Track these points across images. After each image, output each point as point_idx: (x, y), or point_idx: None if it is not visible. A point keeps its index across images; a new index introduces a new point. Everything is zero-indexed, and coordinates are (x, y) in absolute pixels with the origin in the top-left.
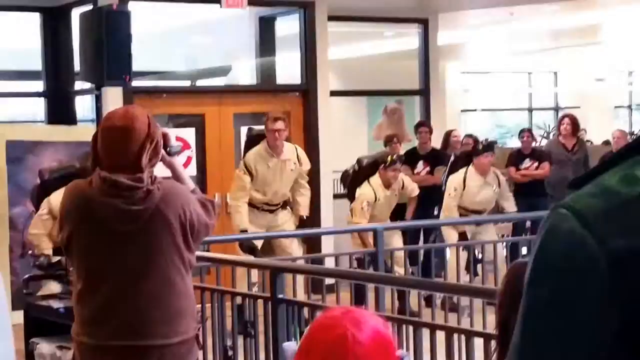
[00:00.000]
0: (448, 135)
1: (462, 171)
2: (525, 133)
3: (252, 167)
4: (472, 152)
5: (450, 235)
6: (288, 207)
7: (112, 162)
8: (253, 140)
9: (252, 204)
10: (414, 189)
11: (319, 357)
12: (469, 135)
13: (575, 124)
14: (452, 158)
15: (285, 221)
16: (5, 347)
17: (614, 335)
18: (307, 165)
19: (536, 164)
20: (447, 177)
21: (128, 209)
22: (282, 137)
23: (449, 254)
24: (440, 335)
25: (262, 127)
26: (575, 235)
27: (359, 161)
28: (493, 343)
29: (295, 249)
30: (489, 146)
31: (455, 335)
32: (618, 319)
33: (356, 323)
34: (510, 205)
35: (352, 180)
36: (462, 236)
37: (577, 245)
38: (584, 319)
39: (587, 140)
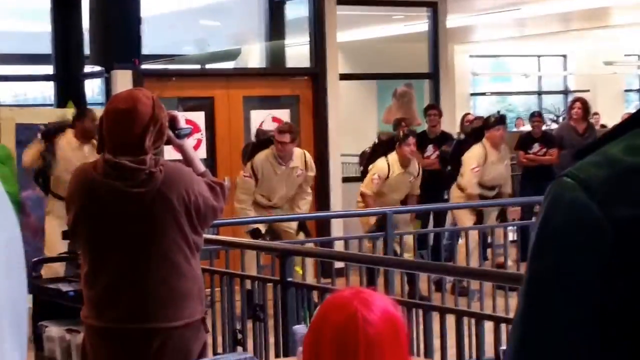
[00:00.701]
0: (463, 118)
1: (479, 146)
2: (536, 117)
3: (260, 170)
4: (483, 126)
5: (464, 219)
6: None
7: (116, 144)
8: (262, 143)
9: (255, 203)
10: (418, 186)
11: (330, 337)
12: (479, 117)
13: (586, 108)
14: (461, 137)
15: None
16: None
17: (615, 308)
18: (313, 171)
19: (545, 149)
20: (452, 156)
21: (130, 191)
22: (286, 150)
23: (462, 239)
24: (450, 319)
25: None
26: (580, 204)
27: (378, 137)
28: (503, 326)
29: (300, 234)
30: (501, 119)
31: (465, 319)
32: (621, 290)
33: (366, 303)
34: (507, 186)
35: (370, 155)
36: (479, 217)
37: (582, 213)
38: (587, 288)
39: (603, 125)
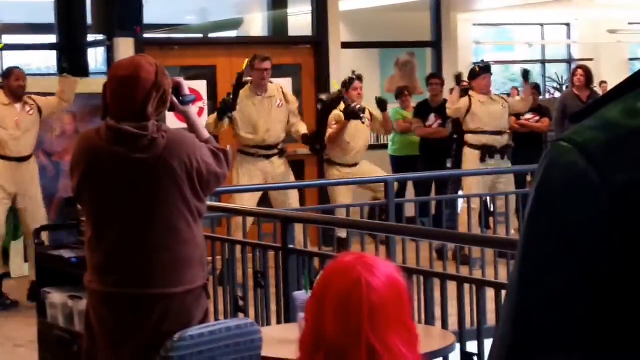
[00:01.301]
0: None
1: (465, 98)
2: (532, 88)
3: (238, 108)
4: (470, 76)
5: (471, 156)
6: (284, 157)
7: (119, 110)
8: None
9: (245, 151)
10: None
11: (333, 302)
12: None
13: (588, 75)
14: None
15: (283, 171)
16: None
17: (611, 273)
18: (294, 103)
19: (537, 117)
20: (454, 123)
21: (132, 157)
22: (268, 76)
23: (461, 204)
24: (452, 286)
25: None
26: (578, 168)
27: (319, 100)
28: (504, 293)
29: (294, 201)
30: (486, 68)
31: (467, 286)
32: (617, 255)
33: (369, 268)
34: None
35: (320, 117)
36: (483, 152)
37: (579, 177)
38: (584, 251)
39: None
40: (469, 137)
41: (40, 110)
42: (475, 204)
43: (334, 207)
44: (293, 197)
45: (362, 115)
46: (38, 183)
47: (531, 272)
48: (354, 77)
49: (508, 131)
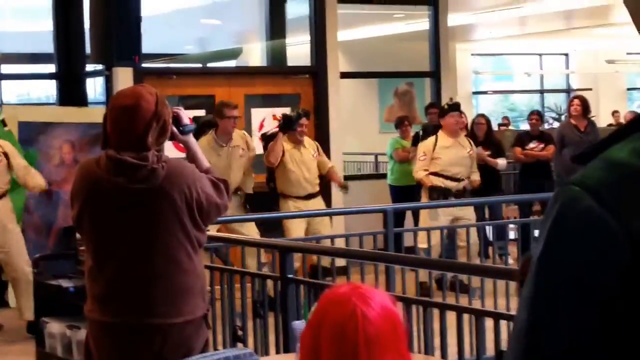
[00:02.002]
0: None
1: (432, 138)
2: (534, 115)
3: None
4: (439, 115)
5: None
6: (238, 193)
7: (119, 140)
8: (199, 129)
9: None
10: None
11: (329, 334)
12: (481, 115)
13: (585, 104)
14: (420, 132)
15: (235, 207)
16: None
17: (628, 321)
18: (254, 150)
19: (542, 145)
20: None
21: (132, 187)
22: (236, 125)
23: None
24: (451, 316)
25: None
26: (593, 215)
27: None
28: (503, 323)
29: (253, 234)
30: (455, 106)
31: (466, 316)
32: (636, 304)
33: (365, 299)
34: (476, 176)
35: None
36: (444, 195)
37: (596, 225)
38: (603, 299)
39: (612, 124)
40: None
41: (8, 159)
42: (436, 239)
43: (332, 236)
44: (251, 232)
45: (298, 121)
46: (13, 218)
47: (544, 318)
48: (301, 113)
49: (466, 178)
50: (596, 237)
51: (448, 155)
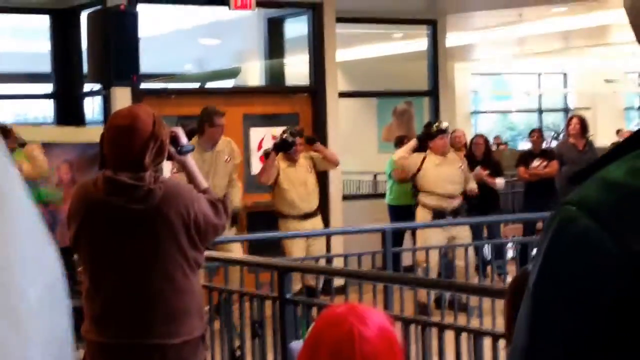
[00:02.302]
0: (451, 134)
1: (421, 154)
2: (535, 133)
3: None
4: (426, 137)
5: (423, 216)
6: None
7: (116, 161)
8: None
9: None
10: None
11: (327, 353)
12: (480, 135)
13: (583, 124)
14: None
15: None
16: None
17: (629, 345)
18: (239, 158)
19: (545, 163)
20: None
21: (129, 207)
22: (222, 133)
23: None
24: (449, 335)
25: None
26: (591, 234)
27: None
28: (501, 342)
29: (236, 252)
30: (443, 130)
31: (464, 335)
32: (634, 324)
33: (362, 319)
34: (473, 184)
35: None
36: (438, 215)
37: (594, 245)
38: (602, 321)
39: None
40: (421, 197)
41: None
42: (433, 257)
43: (330, 256)
44: (234, 251)
45: (294, 141)
46: None
47: (538, 340)
48: (295, 132)
49: (459, 194)
50: (593, 258)
51: (440, 173)
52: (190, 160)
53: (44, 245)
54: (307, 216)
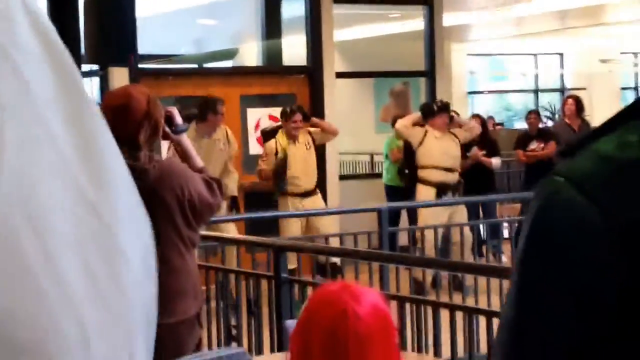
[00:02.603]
0: None
1: (422, 129)
2: (532, 114)
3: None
4: (427, 114)
5: (427, 192)
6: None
7: None
8: (269, 134)
9: None
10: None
11: (320, 332)
12: (476, 115)
13: (579, 104)
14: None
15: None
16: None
17: (617, 315)
18: (235, 146)
19: (542, 144)
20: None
21: None
22: (223, 121)
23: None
24: (444, 314)
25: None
26: (576, 206)
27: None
28: (495, 321)
29: (231, 233)
30: (444, 107)
31: (459, 313)
32: (617, 295)
33: (356, 298)
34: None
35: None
36: (442, 189)
37: (580, 215)
38: (586, 293)
39: None
40: (422, 173)
41: None
42: (431, 235)
43: (326, 235)
44: (230, 230)
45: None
46: None
47: (523, 315)
48: (295, 109)
49: (458, 169)
50: (577, 230)
51: (441, 146)
52: (186, 139)
53: (139, 208)
54: (307, 194)
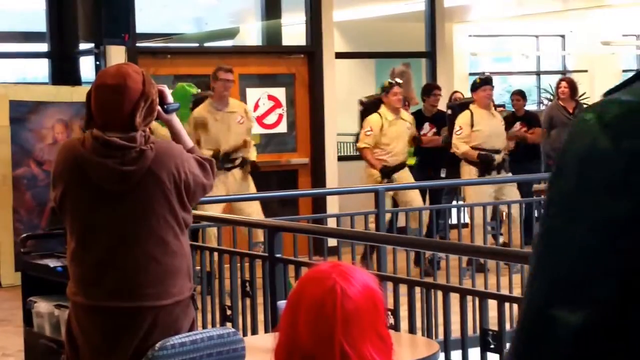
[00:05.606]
0: (451, 96)
1: (465, 111)
2: (515, 95)
3: (200, 124)
4: (468, 100)
5: (470, 171)
6: (244, 168)
7: (105, 121)
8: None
9: None
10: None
11: (307, 309)
12: (517, 92)
13: (572, 86)
14: (449, 112)
15: (242, 182)
16: None
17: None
18: (253, 121)
19: (525, 128)
20: (449, 133)
21: (120, 169)
22: (230, 88)
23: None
24: (440, 295)
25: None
26: (592, 134)
27: (360, 102)
28: (490, 302)
29: (254, 210)
30: (486, 80)
31: (454, 295)
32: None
33: (345, 277)
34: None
35: (361, 118)
36: (482, 167)
37: (591, 144)
38: (606, 214)
39: None
40: (467, 152)
41: None
42: (478, 214)
43: (324, 216)
44: (253, 208)
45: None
46: None
47: (555, 230)
48: (394, 82)
49: (503, 149)
50: (592, 155)
51: (487, 127)
52: (176, 118)
53: None
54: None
